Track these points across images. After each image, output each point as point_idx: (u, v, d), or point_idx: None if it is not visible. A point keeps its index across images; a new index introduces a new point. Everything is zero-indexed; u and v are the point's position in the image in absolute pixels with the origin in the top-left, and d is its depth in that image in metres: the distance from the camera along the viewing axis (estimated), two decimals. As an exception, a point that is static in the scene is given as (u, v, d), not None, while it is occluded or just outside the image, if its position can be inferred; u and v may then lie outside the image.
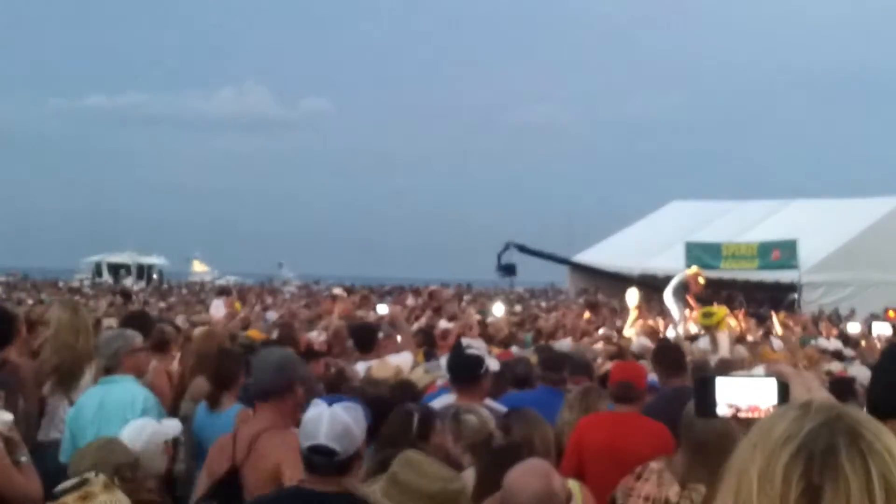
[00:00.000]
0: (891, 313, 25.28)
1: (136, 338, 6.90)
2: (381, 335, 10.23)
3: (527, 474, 4.05)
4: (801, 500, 1.59)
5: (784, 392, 2.16)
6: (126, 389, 6.42)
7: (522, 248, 30.15)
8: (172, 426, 5.40)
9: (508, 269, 29.65)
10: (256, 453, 5.10)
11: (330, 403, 4.19)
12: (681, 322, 17.07)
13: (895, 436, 1.67)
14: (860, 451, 1.60)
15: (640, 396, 6.68)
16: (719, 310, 14.65)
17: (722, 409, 2.20)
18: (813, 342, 15.31)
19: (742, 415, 2.19)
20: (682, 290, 17.78)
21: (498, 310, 18.29)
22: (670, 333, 15.81)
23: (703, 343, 13.27)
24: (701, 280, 18.08)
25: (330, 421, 4.10)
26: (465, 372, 6.81)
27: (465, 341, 10.47)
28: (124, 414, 6.08)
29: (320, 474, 4.10)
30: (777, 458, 1.63)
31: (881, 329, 16.53)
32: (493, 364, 7.04)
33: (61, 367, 7.22)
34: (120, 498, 3.69)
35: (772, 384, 2.18)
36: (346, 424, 4.12)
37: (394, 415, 5.24)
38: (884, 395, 4.40)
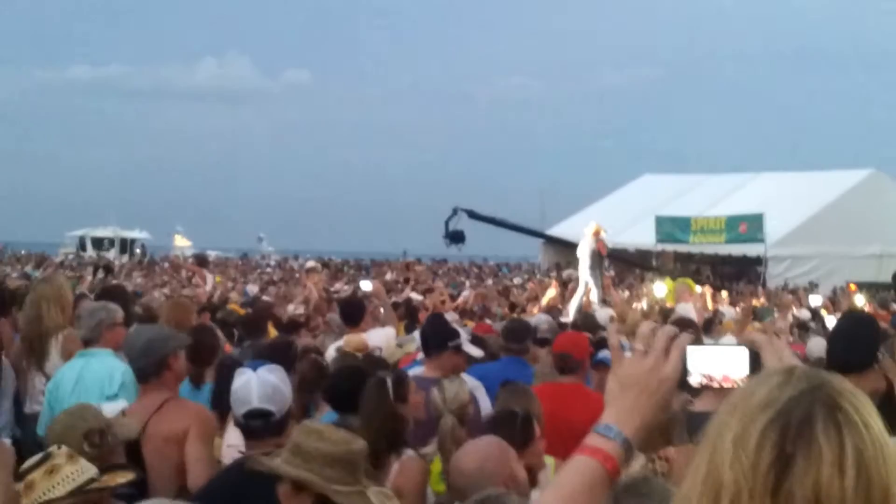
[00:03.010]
0: (852, 287, 25.88)
1: (118, 312, 6.78)
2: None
3: (468, 453, 4.19)
4: (772, 467, 1.57)
5: (756, 361, 2.12)
6: (104, 363, 6.34)
7: (472, 214, 27.44)
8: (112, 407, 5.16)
9: (456, 237, 26.69)
10: (160, 420, 5.08)
11: (254, 368, 4.40)
12: (598, 289, 17.20)
13: (872, 403, 1.66)
14: (836, 423, 1.58)
15: (580, 367, 6.87)
16: (668, 282, 15.11)
17: (694, 379, 2.16)
18: (770, 318, 15.67)
19: (714, 385, 2.13)
20: (598, 257, 17.76)
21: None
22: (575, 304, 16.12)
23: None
24: (603, 234, 18.00)
25: (259, 384, 4.29)
26: (432, 342, 6.79)
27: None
28: (102, 387, 6.11)
29: (260, 438, 4.23)
30: (753, 424, 1.61)
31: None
32: (471, 349, 6.92)
33: (32, 342, 7.34)
34: (85, 466, 3.65)
35: (744, 353, 2.15)
36: (274, 385, 4.32)
37: (369, 386, 5.15)
38: (840, 353, 5.04)
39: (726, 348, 2.22)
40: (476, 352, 7.05)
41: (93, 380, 6.23)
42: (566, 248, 36.64)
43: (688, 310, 13.25)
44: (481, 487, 3.78)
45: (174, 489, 4.88)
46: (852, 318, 5.92)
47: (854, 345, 5.00)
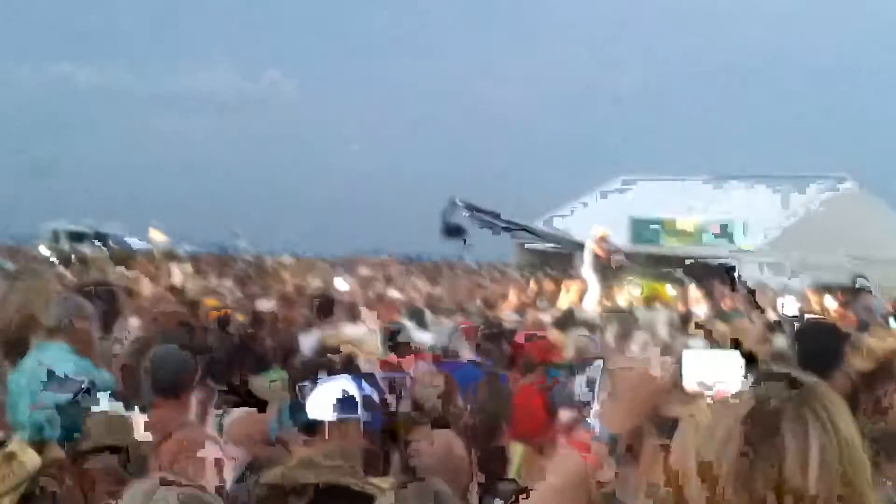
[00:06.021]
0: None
1: (85, 306, 6.76)
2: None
3: (430, 439, 4.45)
4: (737, 459, 1.65)
5: (751, 365, 2.15)
6: (55, 357, 6.23)
7: (470, 207, 25.07)
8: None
9: (455, 231, 24.55)
10: (166, 451, 5.10)
11: None
12: (601, 293, 17.07)
13: (847, 410, 1.73)
14: (805, 422, 1.66)
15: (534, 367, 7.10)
16: (646, 285, 15.19)
17: (689, 385, 2.20)
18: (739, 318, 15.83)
19: (708, 393, 2.15)
20: (598, 260, 17.59)
21: None
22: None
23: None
24: (603, 244, 17.80)
25: None
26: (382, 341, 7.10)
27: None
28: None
29: None
30: (724, 417, 1.70)
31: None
32: (418, 336, 7.30)
33: (8, 337, 7.20)
34: (33, 457, 3.58)
35: (737, 359, 2.17)
36: None
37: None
38: (808, 362, 5.19)
39: (721, 353, 2.27)
40: (425, 338, 7.38)
41: (42, 373, 6.07)
42: (538, 248, 36.88)
43: (652, 318, 13.27)
44: (446, 469, 4.04)
45: None
46: (817, 328, 6.09)
47: (822, 354, 5.17)
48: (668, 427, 1.92)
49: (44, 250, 35.83)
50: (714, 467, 1.67)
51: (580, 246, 18.13)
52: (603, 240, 17.59)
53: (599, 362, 6.41)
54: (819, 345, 5.36)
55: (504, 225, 28.81)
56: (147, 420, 5.24)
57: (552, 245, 33.70)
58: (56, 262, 26.49)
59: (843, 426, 1.69)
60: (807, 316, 15.20)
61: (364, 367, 7.25)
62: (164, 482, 2.22)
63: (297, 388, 5.36)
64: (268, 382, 6.61)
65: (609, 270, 18.17)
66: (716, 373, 2.17)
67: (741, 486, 1.65)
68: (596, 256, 17.33)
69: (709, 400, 1.82)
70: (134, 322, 8.43)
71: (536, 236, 35.78)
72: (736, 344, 8.34)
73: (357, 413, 4.38)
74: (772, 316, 16.33)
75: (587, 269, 17.38)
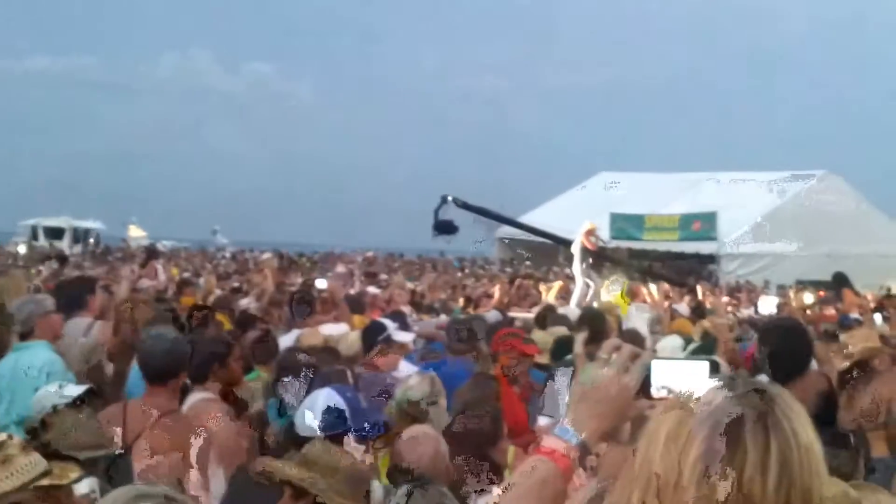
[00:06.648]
0: None
1: (48, 301, 6.89)
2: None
3: (418, 439, 4.42)
4: (698, 461, 1.67)
5: (715, 372, 2.16)
6: (36, 355, 6.32)
7: (461, 204, 24.02)
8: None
9: (446, 228, 23.54)
10: (153, 437, 4.93)
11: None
12: (591, 288, 16.81)
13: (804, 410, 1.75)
14: (765, 427, 1.67)
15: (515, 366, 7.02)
16: (626, 283, 15.19)
17: (656, 391, 2.23)
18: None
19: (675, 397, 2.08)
20: (587, 254, 17.32)
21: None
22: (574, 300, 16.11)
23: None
24: (592, 238, 17.38)
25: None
26: (364, 341, 7.18)
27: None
28: (33, 381, 5.95)
29: None
30: (686, 421, 1.72)
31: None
32: (399, 335, 7.19)
33: None
34: (37, 459, 3.42)
35: (704, 367, 2.20)
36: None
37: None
38: (773, 366, 5.24)
39: (688, 362, 2.35)
40: (405, 337, 7.30)
41: (24, 375, 6.15)
42: (519, 245, 36.84)
43: (638, 319, 13.21)
44: (434, 468, 4.10)
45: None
46: (780, 329, 6.11)
47: (785, 356, 5.23)
48: (634, 432, 1.96)
49: (21, 248, 35.75)
50: (675, 474, 1.71)
51: (568, 242, 18.03)
52: (591, 234, 17.49)
53: (573, 365, 6.44)
54: (782, 347, 5.40)
55: (496, 220, 28.69)
56: (140, 407, 5.23)
57: (536, 240, 33.32)
58: (32, 258, 26.47)
59: (802, 432, 1.72)
60: (775, 315, 15.30)
61: (345, 368, 7.32)
62: (143, 494, 2.19)
63: (278, 386, 5.37)
64: (250, 383, 6.57)
65: (597, 266, 18.16)
66: (682, 380, 2.17)
67: (701, 492, 1.68)
68: (584, 250, 17.24)
69: (672, 406, 1.80)
70: (109, 323, 8.33)
71: (527, 232, 35.57)
72: (709, 344, 8.37)
73: (346, 426, 4.37)
74: (750, 313, 16.43)
75: (576, 265, 17.27)
